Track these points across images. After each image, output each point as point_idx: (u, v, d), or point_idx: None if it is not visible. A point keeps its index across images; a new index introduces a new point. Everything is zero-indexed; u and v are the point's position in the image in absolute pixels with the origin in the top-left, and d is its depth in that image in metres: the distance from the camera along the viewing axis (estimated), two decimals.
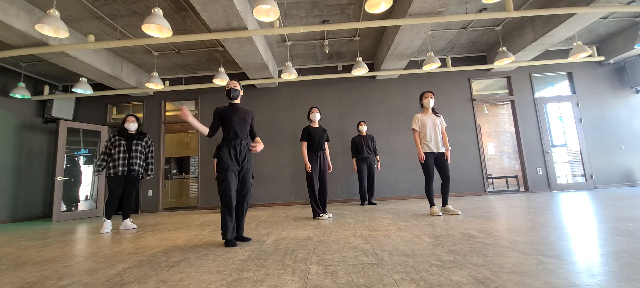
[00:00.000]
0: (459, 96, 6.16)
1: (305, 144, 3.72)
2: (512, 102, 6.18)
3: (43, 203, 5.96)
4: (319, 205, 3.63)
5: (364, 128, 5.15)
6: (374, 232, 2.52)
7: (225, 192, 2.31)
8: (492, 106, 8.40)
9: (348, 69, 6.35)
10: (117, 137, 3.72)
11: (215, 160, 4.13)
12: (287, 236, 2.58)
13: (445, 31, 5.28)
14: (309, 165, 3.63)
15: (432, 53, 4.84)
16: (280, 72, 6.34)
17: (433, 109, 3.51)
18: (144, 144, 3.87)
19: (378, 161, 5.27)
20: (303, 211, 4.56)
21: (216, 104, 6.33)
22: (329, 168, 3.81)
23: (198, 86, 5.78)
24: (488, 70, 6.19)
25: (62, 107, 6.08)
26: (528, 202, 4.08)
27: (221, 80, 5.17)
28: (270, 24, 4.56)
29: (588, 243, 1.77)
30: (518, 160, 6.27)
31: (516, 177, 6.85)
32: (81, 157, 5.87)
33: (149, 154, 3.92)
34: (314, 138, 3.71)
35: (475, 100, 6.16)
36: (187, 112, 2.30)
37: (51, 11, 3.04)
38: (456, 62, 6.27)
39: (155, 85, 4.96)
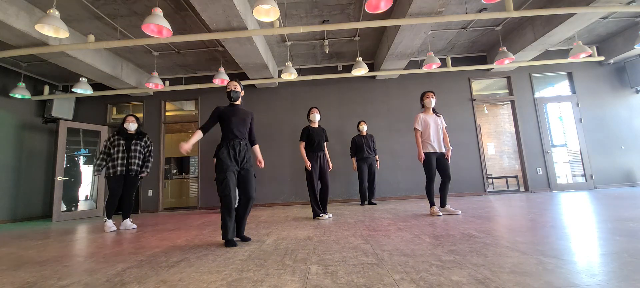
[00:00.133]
0: (459, 96, 6.16)
1: (303, 144, 3.73)
2: (512, 102, 6.18)
3: (43, 203, 5.96)
4: (319, 205, 3.63)
5: (364, 128, 5.15)
6: (374, 232, 2.52)
7: (225, 193, 2.31)
8: (492, 106, 8.40)
9: (348, 69, 6.34)
10: (116, 137, 3.73)
11: (215, 160, 4.13)
12: (287, 236, 2.58)
13: (445, 31, 5.28)
14: (308, 163, 3.63)
15: (432, 53, 4.84)
16: (280, 72, 6.34)
17: (433, 109, 3.52)
18: (143, 143, 3.87)
19: (377, 161, 5.27)
20: (303, 211, 4.56)
21: (216, 104, 6.33)
22: (329, 166, 3.82)
23: (198, 86, 5.78)
24: (488, 70, 6.19)
25: (62, 107, 6.08)
26: (528, 202, 4.08)
27: (221, 80, 5.17)
28: (270, 24, 4.55)
29: (588, 243, 1.77)
30: (518, 160, 6.27)
31: (516, 177, 6.85)
32: (81, 157, 5.87)
33: (148, 154, 3.92)
34: (314, 138, 3.71)
35: (475, 100, 6.16)
36: (184, 145, 2.28)
37: (51, 11, 3.04)
38: (456, 62, 6.27)
39: (156, 85, 4.96)
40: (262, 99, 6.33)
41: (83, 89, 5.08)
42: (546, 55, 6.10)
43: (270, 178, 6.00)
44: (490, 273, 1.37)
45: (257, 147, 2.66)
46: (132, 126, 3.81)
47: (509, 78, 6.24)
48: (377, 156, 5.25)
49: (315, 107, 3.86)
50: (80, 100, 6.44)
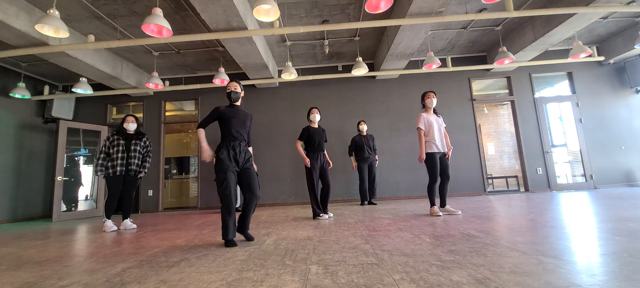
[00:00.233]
0: (459, 96, 6.16)
1: (300, 142, 3.72)
2: (512, 102, 6.18)
3: (43, 203, 5.96)
4: (319, 205, 3.63)
5: (364, 127, 5.14)
6: (374, 232, 2.52)
7: (225, 193, 2.31)
8: (492, 106, 8.40)
9: (348, 69, 6.34)
10: (115, 137, 3.73)
11: (214, 160, 4.15)
12: (287, 236, 2.58)
13: (445, 31, 5.28)
14: (307, 159, 3.64)
15: (432, 53, 4.84)
16: (280, 72, 6.34)
17: (434, 109, 3.52)
18: (142, 144, 3.88)
19: (376, 160, 5.26)
20: (303, 211, 4.56)
21: (216, 104, 6.33)
22: (329, 165, 3.82)
23: (198, 86, 5.78)
24: (488, 70, 6.19)
25: (62, 107, 6.08)
26: (528, 202, 4.08)
27: (221, 80, 5.16)
28: (270, 24, 4.55)
29: (588, 243, 1.78)
30: (518, 160, 6.27)
31: (516, 177, 6.85)
32: (81, 157, 5.88)
33: (147, 155, 3.93)
34: (314, 138, 3.71)
35: (475, 100, 6.16)
36: (205, 154, 2.48)
37: (51, 11, 3.04)
38: (456, 62, 6.27)
39: (156, 85, 4.96)
40: (262, 99, 6.32)
41: (83, 89, 5.08)
42: (546, 55, 6.10)
43: (270, 178, 6.00)
44: (490, 273, 1.37)
45: (250, 150, 2.64)
46: (131, 126, 3.81)
47: (509, 78, 6.24)
48: (376, 156, 5.25)
49: (316, 107, 3.86)
50: (80, 100, 6.44)
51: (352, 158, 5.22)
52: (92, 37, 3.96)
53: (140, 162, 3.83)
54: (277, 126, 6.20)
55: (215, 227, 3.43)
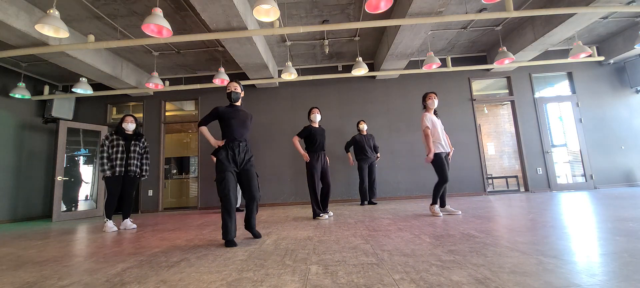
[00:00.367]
0: (459, 96, 6.16)
1: (297, 138, 3.71)
2: (512, 102, 6.18)
3: (43, 203, 5.96)
4: (319, 205, 3.64)
5: (364, 127, 5.14)
6: (374, 232, 2.52)
7: (224, 193, 2.33)
8: (492, 106, 8.40)
9: (348, 69, 6.34)
10: (114, 137, 3.74)
11: (215, 160, 4.18)
12: (287, 236, 2.58)
13: (445, 31, 5.28)
14: (306, 155, 3.64)
15: (432, 53, 4.84)
16: (280, 72, 6.34)
17: (435, 110, 3.51)
18: (141, 145, 3.90)
19: (377, 157, 5.26)
20: (303, 211, 4.56)
21: (216, 104, 6.33)
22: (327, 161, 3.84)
23: (198, 86, 5.78)
24: (488, 70, 6.19)
25: (62, 107, 6.08)
26: (528, 202, 4.08)
27: (221, 80, 5.16)
28: (270, 24, 4.55)
29: (588, 243, 1.78)
30: (518, 160, 6.27)
31: (516, 177, 6.85)
32: (81, 157, 5.87)
33: (145, 156, 3.95)
34: (316, 138, 3.71)
35: (475, 100, 6.16)
36: (213, 141, 2.50)
37: (51, 11, 3.04)
38: (456, 62, 6.26)
39: (156, 85, 4.96)
40: (262, 99, 6.32)
41: (83, 89, 5.07)
42: (546, 55, 6.10)
43: (270, 178, 6.00)
44: (490, 273, 1.37)
45: None
46: (130, 126, 3.82)
47: (509, 78, 6.24)
48: (378, 154, 5.24)
49: (316, 107, 3.86)
50: (80, 100, 6.44)
51: (350, 154, 5.21)
52: (92, 37, 3.96)
53: (139, 163, 3.85)
54: (277, 126, 6.20)
55: (215, 227, 3.43)
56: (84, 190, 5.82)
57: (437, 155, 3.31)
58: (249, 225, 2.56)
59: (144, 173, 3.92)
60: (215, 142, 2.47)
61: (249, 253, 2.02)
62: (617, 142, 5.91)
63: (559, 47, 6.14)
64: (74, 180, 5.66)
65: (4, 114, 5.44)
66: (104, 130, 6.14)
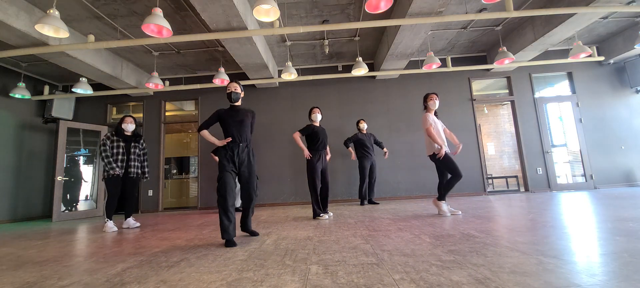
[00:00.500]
0: (459, 96, 6.16)
1: (298, 133, 3.71)
2: (512, 102, 6.18)
3: (43, 203, 5.96)
4: (319, 205, 3.64)
5: (364, 126, 5.13)
6: (374, 232, 2.52)
7: (221, 192, 2.37)
8: (492, 106, 8.40)
9: (348, 69, 6.34)
10: (115, 138, 3.76)
11: (217, 158, 4.25)
12: (287, 236, 2.58)
13: (445, 31, 5.28)
14: (307, 151, 3.64)
15: (432, 53, 4.84)
16: (280, 72, 6.34)
17: (435, 111, 3.51)
18: (141, 146, 3.96)
19: (386, 152, 5.24)
20: (303, 211, 4.56)
21: (216, 104, 6.34)
22: (328, 155, 3.86)
23: (198, 86, 5.78)
24: (488, 70, 6.19)
25: (62, 107, 6.08)
26: (528, 202, 4.08)
27: (221, 80, 5.16)
28: (270, 24, 4.55)
29: (588, 243, 1.78)
30: (518, 160, 6.27)
31: (516, 177, 6.85)
32: (81, 157, 5.87)
33: (145, 157, 4.01)
34: (318, 136, 3.72)
35: (475, 100, 6.16)
36: (215, 141, 2.53)
37: (51, 11, 3.04)
38: (456, 62, 6.26)
39: (156, 85, 4.96)
40: (262, 99, 6.32)
41: (83, 89, 5.07)
42: (546, 55, 6.10)
43: (270, 178, 6.00)
44: (490, 273, 1.37)
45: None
46: (130, 127, 3.86)
47: (509, 78, 6.24)
48: (385, 149, 5.23)
49: (317, 107, 3.86)
50: (80, 100, 6.44)
51: (351, 149, 5.10)
52: (92, 37, 3.96)
53: (139, 164, 3.89)
54: (277, 126, 6.20)
55: (215, 227, 3.43)
56: (84, 190, 5.82)
57: (444, 155, 3.27)
58: (245, 226, 2.64)
59: (146, 175, 4.00)
60: (220, 143, 2.50)
61: (249, 253, 2.02)
62: (617, 142, 5.91)
63: (559, 47, 6.14)
64: (74, 180, 5.66)
65: (4, 114, 5.44)
66: (104, 130, 6.15)
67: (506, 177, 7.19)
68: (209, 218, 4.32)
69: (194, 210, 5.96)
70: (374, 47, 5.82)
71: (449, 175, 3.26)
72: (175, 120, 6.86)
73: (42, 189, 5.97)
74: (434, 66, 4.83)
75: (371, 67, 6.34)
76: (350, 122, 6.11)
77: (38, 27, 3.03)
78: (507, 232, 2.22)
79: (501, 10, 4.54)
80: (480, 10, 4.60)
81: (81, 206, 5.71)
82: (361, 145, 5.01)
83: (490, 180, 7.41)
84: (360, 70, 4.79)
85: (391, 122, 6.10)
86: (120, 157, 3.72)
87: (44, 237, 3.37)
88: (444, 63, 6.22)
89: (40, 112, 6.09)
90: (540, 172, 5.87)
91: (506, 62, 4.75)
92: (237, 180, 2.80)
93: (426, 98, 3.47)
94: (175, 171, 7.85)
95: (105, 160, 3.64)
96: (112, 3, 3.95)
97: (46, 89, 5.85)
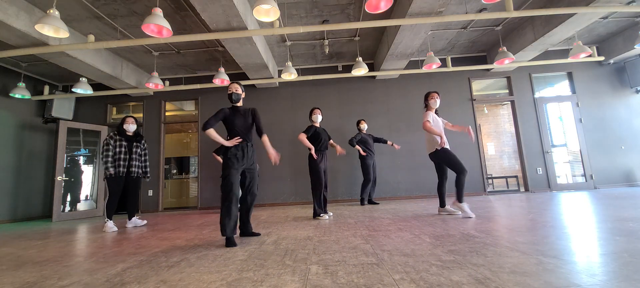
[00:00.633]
0: (459, 96, 6.16)
1: (304, 135, 3.70)
2: (512, 102, 6.18)
3: (43, 203, 5.96)
4: (322, 205, 3.65)
5: (365, 126, 5.13)
6: (374, 232, 2.52)
7: (227, 189, 2.38)
8: (492, 106, 8.40)
9: (348, 69, 6.34)
10: (118, 137, 3.79)
11: (219, 157, 4.27)
12: (287, 236, 2.58)
13: (445, 31, 5.28)
14: (312, 148, 3.63)
15: (432, 53, 4.84)
16: (280, 72, 6.34)
17: (436, 110, 3.51)
18: (142, 146, 4.01)
19: (392, 145, 5.17)
20: (303, 211, 4.56)
21: (216, 104, 6.34)
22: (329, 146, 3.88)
23: (198, 86, 5.78)
24: (488, 70, 6.19)
25: (62, 107, 6.08)
26: (528, 202, 4.08)
27: (221, 80, 5.16)
28: (270, 24, 4.55)
29: (588, 243, 1.77)
30: (518, 160, 6.27)
31: (516, 177, 6.85)
32: (81, 157, 5.87)
33: (146, 157, 4.06)
34: (320, 137, 3.74)
35: (475, 100, 6.16)
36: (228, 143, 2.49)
37: (51, 11, 3.04)
38: (456, 62, 6.26)
39: (156, 85, 4.96)
40: (262, 99, 6.32)
41: (83, 89, 5.07)
42: (546, 55, 6.10)
43: (270, 178, 6.00)
44: (490, 273, 1.37)
45: (265, 139, 2.64)
46: (131, 127, 3.89)
47: (509, 78, 6.24)
48: (389, 141, 5.18)
49: (318, 108, 3.87)
50: (80, 100, 6.44)
51: (358, 146, 4.99)
52: (92, 37, 3.96)
53: (141, 164, 3.97)
54: (277, 126, 6.20)
55: (215, 227, 3.43)
56: (84, 190, 5.82)
57: (445, 150, 3.25)
58: (246, 229, 2.66)
59: (147, 175, 4.06)
60: (229, 143, 2.50)
61: (249, 253, 2.02)
62: (617, 142, 5.91)
63: (559, 47, 6.14)
64: (74, 180, 5.66)
65: (4, 114, 5.44)
66: (104, 130, 6.15)
67: (506, 177, 7.19)
68: (209, 218, 4.32)
69: (194, 210, 5.96)
70: (374, 47, 5.82)
71: (455, 175, 3.21)
72: (175, 120, 6.86)
73: (42, 189, 5.97)
74: (434, 66, 4.83)
75: (371, 67, 6.34)
76: (350, 122, 6.10)
77: (38, 27, 3.03)
78: (507, 232, 2.22)
79: (501, 10, 4.54)
80: (480, 10, 4.60)
81: (81, 206, 5.71)
82: (363, 143, 5.01)
83: (490, 180, 7.41)
84: (360, 70, 4.79)
85: (391, 122, 6.10)
86: (122, 155, 3.75)
87: (44, 237, 3.37)
88: (444, 63, 6.22)
89: (40, 112, 6.09)
90: (540, 172, 5.87)
91: (506, 62, 4.75)
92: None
93: (427, 97, 3.47)
94: (175, 171, 7.85)
95: (104, 160, 3.66)
96: (112, 3, 3.95)
97: (46, 89, 5.85)
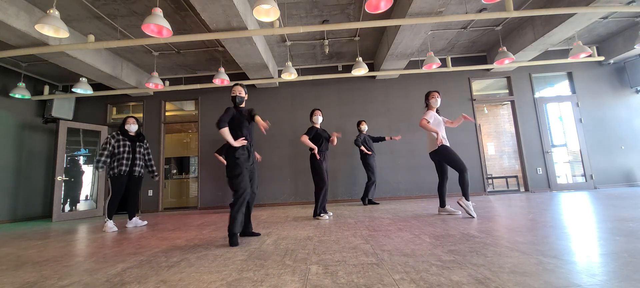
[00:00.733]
0: (459, 96, 6.16)
1: (307, 136, 3.71)
2: (512, 102, 6.18)
3: (43, 203, 5.96)
4: (323, 205, 3.66)
5: (366, 127, 5.14)
6: (374, 232, 2.52)
7: (244, 187, 2.45)
8: (492, 106, 8.40)
9: (348, 69, 6.34)
10: (120, 137, 3.82)
11: (222, 158, 4.28)
12: (287, 236, 2.58)
13: (445, 31, 5.28)
14: (315, 148, 3.64)
15: (432, 53, 4.84)
16: (280, 72, 6.34)
17: (437, 109, 3.52)
18: (144, 146, 4.05)
19: (392, 138, 5.22)
20: (303, 211, 4.56)
21: (216, 104, 6.34)
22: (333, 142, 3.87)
23: (198, 86, 5.78)
24: (488, 70, 6.19)
25: (62, 107, 6.08)
26: (528, 202, 4.08)
27: (221, 80, 5.15)
28: (270, 24, 4.55)
29: (588, 243, 1.77)
30: (518, 160, 6.27)
31: (516, 177, 6.85)
32: (81, 157, 5.87)
33: (148, 156, 4.09)
34: (321, 137, 3.76)
35: (475, 100, 6.16)
36: (234, 142, 2.53)
37: (51, 11, 3.04)
38: (456, 62, 6.26)
39: (156, 85, 4.96)
40: (262, 99, 6.32)
41: (83, 89, 5.07)
42: (546, 55, 6.10)
43: (270, 178, 6.00)
44: (490, 273, 1.37)
45: (258, 119, 2.63)
46: (133, 127, 3.91)
47: (509, 78, 6.24)
48: (387, 136, 5.22)
49: (319, 109, 3.87)
50: (80, 100, 6.44)
51: (363, 147, 5.01)
52: (92, 37, 3.96)
53: (143, 163, 4.01)
54: (277, 126, 6.19)
55: (215, 227, 3.43)
56: (84, 190, 5.82)
57: (445, 147, 3.25)
58: (246, 229, 2.70)
59: (156, 174, 4.14)
60: (237, 143, 2.54)
61: (249, 253, 2.02)
62: (617, 142, 5.91)
63: (559, 47, 6.13)
64: (74, 180, 5.66)
65: (4, 114, 5.44)
66: (104, 130, 6.15)
67: (506, 177, 7.19)
68: (209, 218, 4.31)
69: (194, 210, 5.96)
70: (374, 47, 5.82)
71: (458, 175, 3.21)
72: (175, 120, 6.86)
73: (42, 189, 5.97)
74: (434, 66, 4.83)
75: (371, 67, 6.34)
76: (350, 122, 6.10)
77: (38, 27, 3.03)
78: (507, 232, 2.22)
79: (501, 10, 4.53)
80: (480, 10, 4.60)
81: (81, 206, 5.71)
82: (367, 144, 5.05)
83: (490, 180, 7.41)
84: (360, 70, 4.79)
85: (391, 122, 6.10)
86: (126, 155, 3.78)
87: (44, 237, 3.37)
88: (444, 63, 6.22)
89: (40, 112, 6.09)
90: (540, 172, 5.87)
91: (506, 62, 4.75)
92: None
93: (428, 96, 3.48)
94: (175, 171, 7.84)
95: (98, 156, 3.66)
96: (112, 3, 3.95)
97: (46, 89, 5.84)
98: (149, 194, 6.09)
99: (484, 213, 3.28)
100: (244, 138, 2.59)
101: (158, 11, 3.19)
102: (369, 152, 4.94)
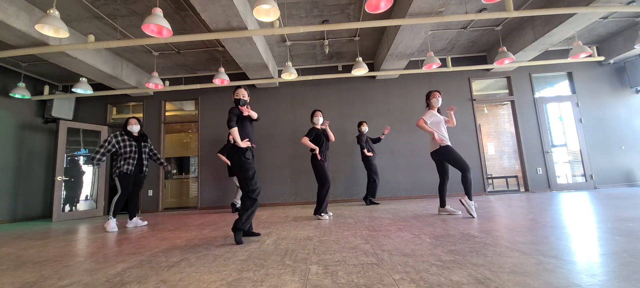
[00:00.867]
0: (459, 96, 6.15)
1: (307, 138, 3.73)
2: (512, 102, 6.17)
3: (43, 203, 5.96)
4: (326, 203, 3.67)
5: (366, 128, 5.14)
6: (374, 232, 2.52)
7: (258, 187, 2.55)
8: (492, 106, 8.40)
9: (348, 69, 6.34)
10: (125, 137, 3.85)
11: (225, 158, 4.31)
12: (287, 236, 2.58)
13: (445, 31, 5.28)
14: (316, 148, 3.65)
15: (432, 53, 4.84)
16: (280, 72, 6.34)
17: (438, 109, 3.52)
18: (149, 145, 4.10)
19: (384, 134, 5.24)
20: (303, 211, 4.56)
21: (216, 104, 6.34)
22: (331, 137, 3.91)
23: (198, 86, 5.78)
24: (488, 70, 6.19)
25: (62, 107, 6.08)
26: (528, 202, 4.08)
27: (221, 80, 5.15)
28: (270, 24, 4.55)
29: (588, 243, 1.77)
30: (518, 160, 6.27)
31: (516, 177, 6.85)
32: (81, 157, 5.87)
33: (153, 151, 4.16)
34: (322, 138, 3.77)
35: (475, 100, 6.16)
36: (241, 143, 2.58)
37: (51, 11, 3.04)
38: (456, 62, 6.26)
39: (156, 85, 4.96)
40: (262, 99, 6.32)
41: (83, 89, 5.07)
42: (546, 55, 6.10)
43: (270, 179, 6.00)
44: (490, 273, 1.37)
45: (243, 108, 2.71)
46: (135, 128, 3.95)
47: (509, 78, 6.24)
48: (382, 134, 5.26)
49: (319, 110, 3.87)
50: (80, 100, 6.44)
51: (366, 149, 5.04)
52: (92, 37, 3.96)
53: (147, 163, 4.07)
54: (277, 126, 6.19)
55: (215, 227, 3.43)
56: (84, 190, 5.82)
57: (447, 146, 3.25)
58: (247, 228, 2.71)
59: (165, 163, 4.23)
60: (244, 144, 2.58)
61: (249, 253, 2.02)
62: (617, 142, 5.91)
63: (559, 47, 6.13)
64: (74, 180, 5.66)
65: (4, 114, 5.44)
66: (104, 130, 6.15)
67: (506, 177, 7.18)
68: (209, 218, 4.31)
69: (194, 210, 5.96)
70: (374, 47, 5.82)
71: (460, 174, 3.21)
72: (175, 120, 6.86)
73: (42, 189, 5.97)
74: (434, 66, 4.83)
75: (371, 67, 6.34)
76: (350, 122, 6.10)
77: (38, 27, 3.03)
78: (507, 232, 2.22)
79: (501, 10, 4.53)
80: (480, 10, 4.60)
81: (81, 206, 5.71)
82: (369, 146, 5.06)
83: (490, 180, 7.41)
84: (360, 70, 4.79)
85: (391, 122, 6.10)
86: (132, 154, 3.81)
87: (44, 237, 3.37)
88: (444, 63, 6.22)
89: (40, 112, 6.09)
90: (540, 172, 5.87)
91: (506, 62, 4.75)
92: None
93: (429, 95, 3.50)
94: (175, 171, 7.84)
95: (95, 150, 3.66)
96: (112, 3, 3.95)
97: (46, 89, 5.84)
98: (149, 194, 6.09)
99: (484, 213, 3.28)
100: (247, 139, 2.62)
101: (158, 11, 3.19)
102: (371, 153, 4.96)
